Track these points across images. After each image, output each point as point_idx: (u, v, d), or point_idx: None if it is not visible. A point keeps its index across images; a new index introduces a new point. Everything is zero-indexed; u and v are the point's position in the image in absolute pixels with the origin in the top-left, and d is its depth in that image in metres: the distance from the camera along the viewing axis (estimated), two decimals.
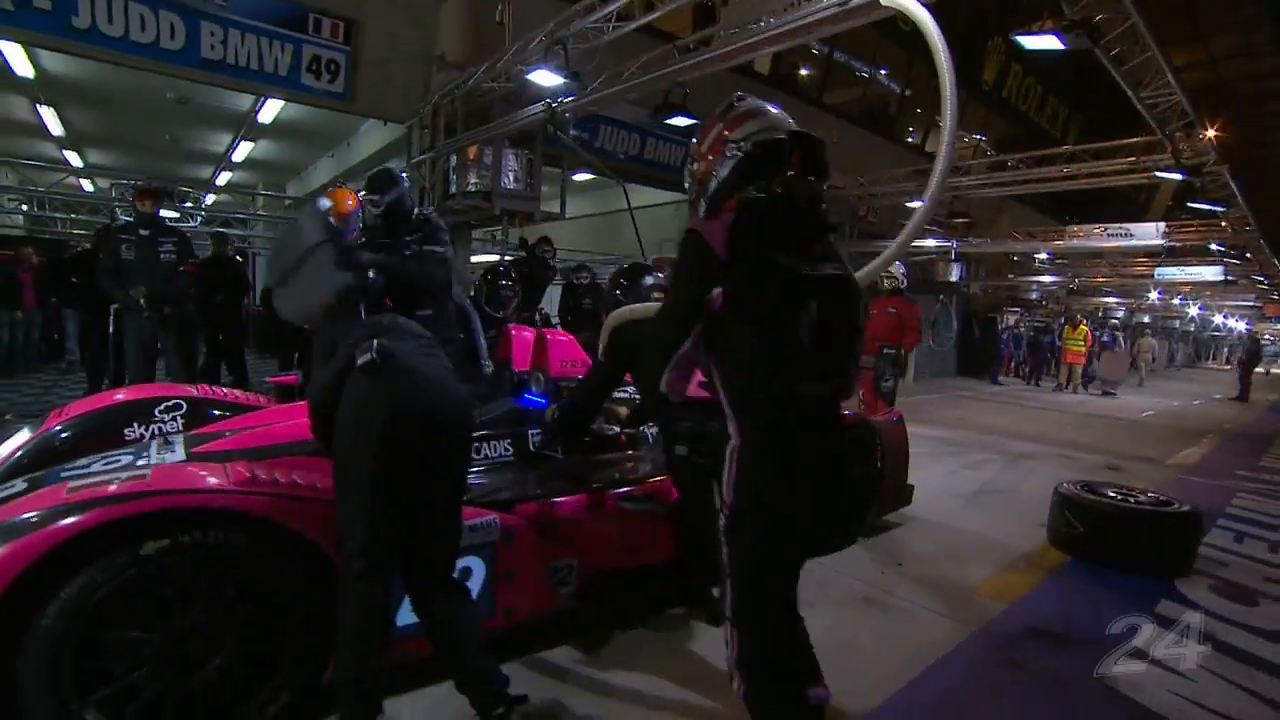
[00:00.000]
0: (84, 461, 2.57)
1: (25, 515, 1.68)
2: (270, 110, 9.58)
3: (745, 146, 1.56)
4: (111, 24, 5.95)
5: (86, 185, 14.41)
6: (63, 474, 2.19)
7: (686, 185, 1.73)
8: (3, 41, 7.02)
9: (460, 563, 2.25)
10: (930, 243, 10.04)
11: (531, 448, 2.81)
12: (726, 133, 1.60)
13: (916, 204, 9.96)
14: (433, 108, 7.20)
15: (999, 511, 4.74)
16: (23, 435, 2.98)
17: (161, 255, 4.84)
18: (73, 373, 8.02)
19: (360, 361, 1.85)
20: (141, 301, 4.71)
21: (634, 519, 2.79)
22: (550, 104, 4.97)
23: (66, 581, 1.65)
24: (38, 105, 9.55)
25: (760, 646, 1.54)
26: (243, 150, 11.99)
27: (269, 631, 1.92)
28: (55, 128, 10.66)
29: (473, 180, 6.90)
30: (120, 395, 3.42)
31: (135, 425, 3.08)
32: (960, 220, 10.93)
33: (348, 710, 1.74)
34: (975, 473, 5.97)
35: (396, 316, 2.33)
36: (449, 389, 1.97)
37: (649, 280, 2.90)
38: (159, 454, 2.44)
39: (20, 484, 2.11)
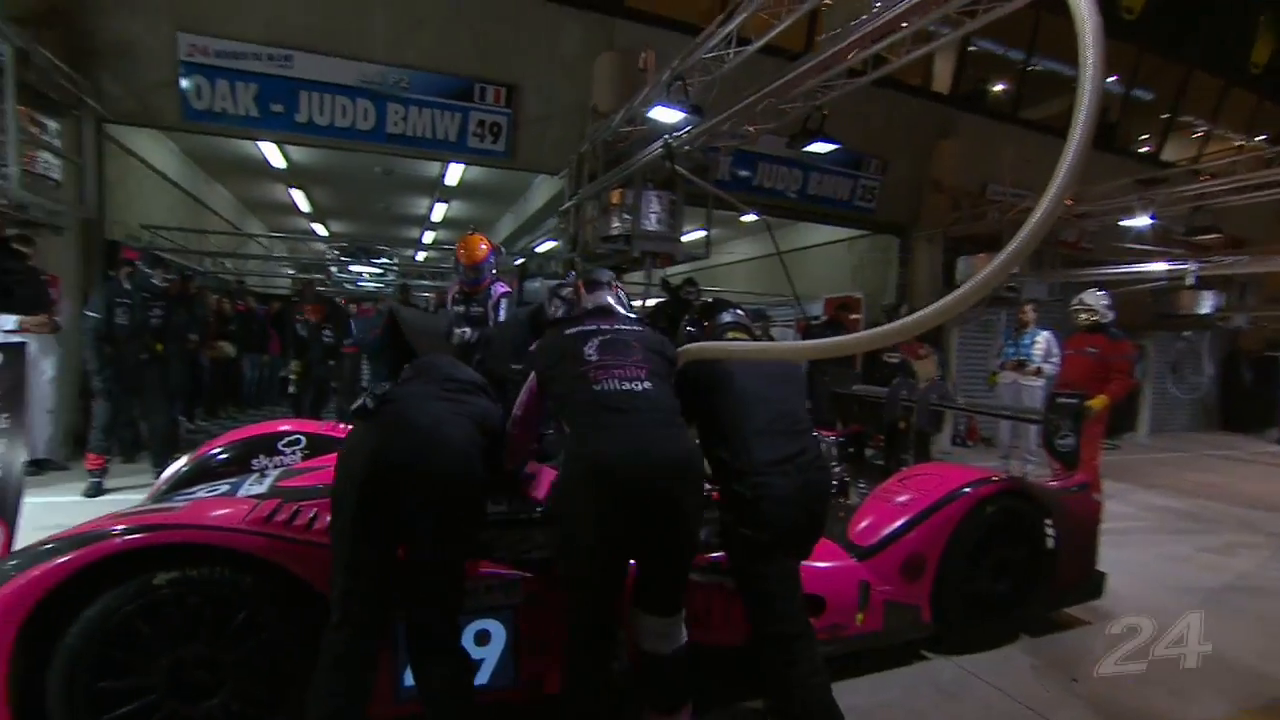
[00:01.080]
0: (198, 487, 2.85)
1: (63, 541, 1.82)
2: (454, 174, 10.74)
3: None
4: (322, 115, 7.06)
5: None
6: (176, 498, 2.43)
7: None
8: (261, 143, 8.80)
9: (477, 624, 2.08)
10: (1159, 266, 8.13)
11: None
12: None
13: (1133, 222, 8.31)
14: (578, 157, 7.49)
15: (1255, 620, 3.50)
16: (185, 458, 3.44)
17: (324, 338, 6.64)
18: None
19: (353, 407, 1.78)
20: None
21: (699, 591, 2.42)
22: (667, 139, 4.86)
23: (89, 603, 1.74)
24: (290, 189, 11.68)
25: None
26: (439, 211, 13.61)
27: (270, 674, 1.88)
28: (304, 205, 12.99)
29: (615, 224, 7.01)
30: (263, 429, 3.78)
31: (261, 456, 3.40)
32: (1208, 236, 8.81)
33: None
34: (1222, 560, 4.54)
35: (438, 358, 2.26)
36: (444, 438, 1.77)
37: (726, 317, 2.56)
38: (249, 486, 2.58)
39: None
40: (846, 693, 2.50)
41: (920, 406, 4.13)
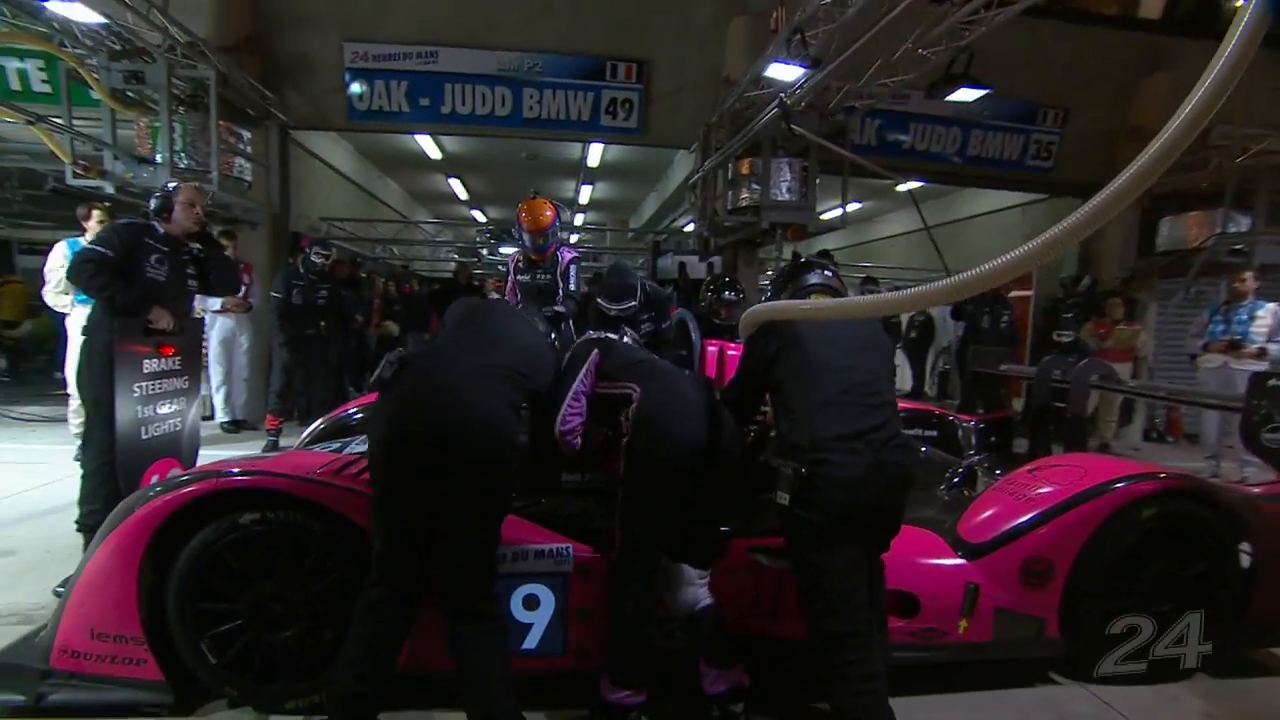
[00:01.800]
0: (333, 442, 3.16)
1: (183, 477, 2.08)
2: (594, 155, 10.97)
3: None
4: (464, 105, 7.53)
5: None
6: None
7: None
8: (419, 136, 9.62)
9: (526, 588, 2.08)
10: None
11: None
12: None
13: None
14: (706, 128, 7.28)
15: None
16: (323, 418, 3.88)
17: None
18: None
19: (375, 375, 1.83)
20: None
21: (770, 577, 2.24)
22: (782, 98, 4.51)
23: (194, 534, 1.98)
24: (449, 178, 12.69)
25: None
26: (585, 193, 14.02)
27: (337, 615, 2.02)
28: (461, 193, 14.05)
29: (744, 195, 6.75)
30: None
31: None
32: None
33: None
34: None
35: (492, 306, 2.28)
36: (473, 402, 1.76)
37: (812, 278, 2.30)
38: (357, 445, 2.83)
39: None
40: (936, 709, 2.21)
41: (1075, 386, 3.50)
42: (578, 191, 14.05)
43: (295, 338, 5.37)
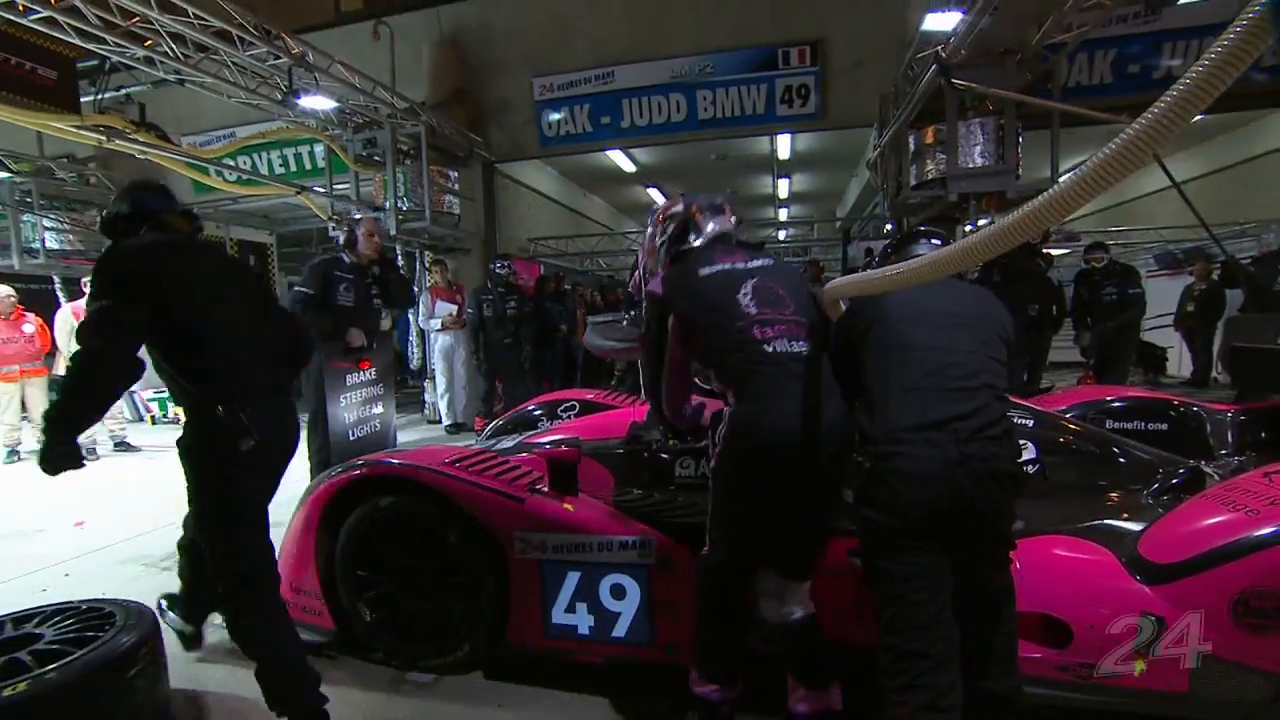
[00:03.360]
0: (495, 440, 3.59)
1: (353, 463, 2.53)
2: (784, 146, 10.67)
3: None
4: (641, 117, 7.89)
5: None
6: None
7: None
8: (612, 152, 10.25)
9: (613, 577, 2.16)
10: None
11: None
12: None
13: None
14: (879, 101, 6.69)
15: None
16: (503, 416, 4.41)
17: None
18: None
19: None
20: None
21: (854, 577, 2.03)
22: (938, 52, 3.93)
23: (351, 512, 2.40)
24: (647, 188, 13.32)
25: None
26: (783, 187, 13.68)
27: (460, 592, 2.29)
28: (660, 201, 14.60)
29: (929, 167, 6.07)
30: (555, 396, 4.51)
31: (545, 419, 4.10)
32: None
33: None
34: None
35: None
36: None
37: (920, 248, 2.03)
38: (507, 440, 3.19)
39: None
40: None
41: None
42: (774, 186, 13.78)
43: (491, 347, 6.11)
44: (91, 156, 9.16)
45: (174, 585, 2.46)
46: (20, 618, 2.04)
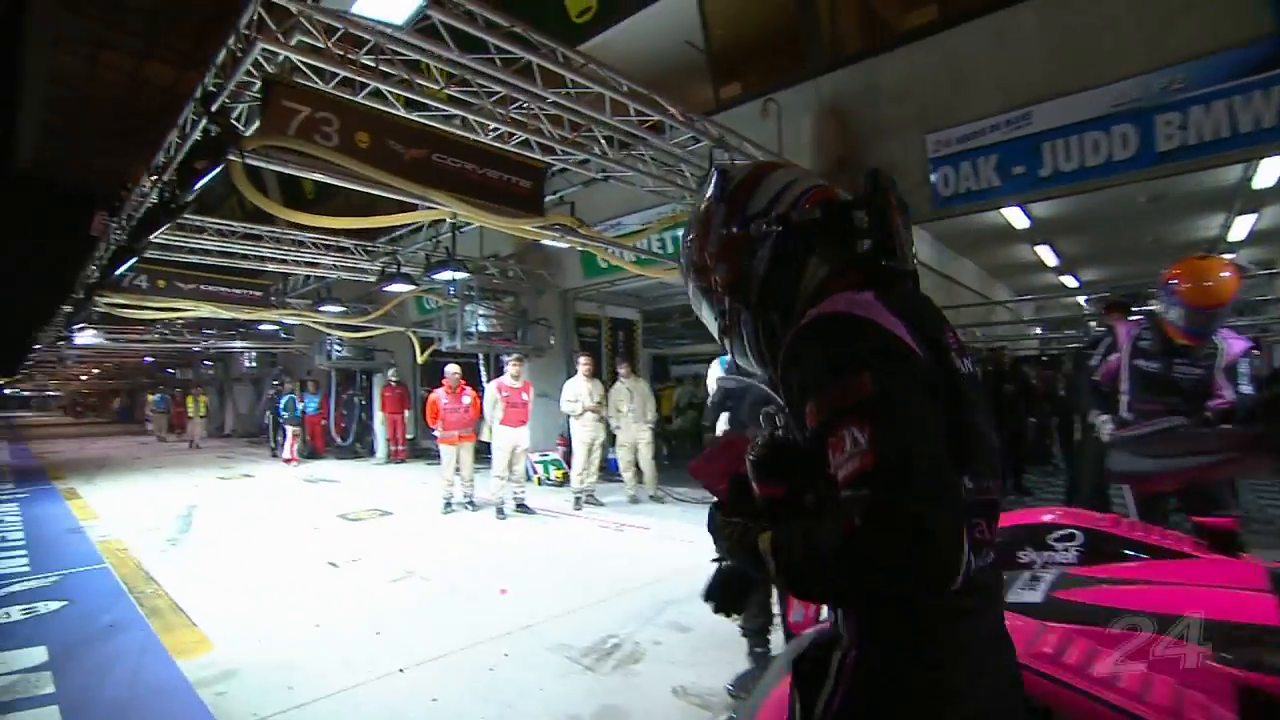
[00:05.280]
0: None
1: None
2: (1268, 173, 7.87)
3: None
4: (1068, 161, 6.44)
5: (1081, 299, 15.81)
6: None
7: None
8: (1008, 209, 8.76)
9: None
10: None
11: None
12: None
13: None
14: None
15: None
16: None
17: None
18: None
19: None
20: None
21: None
22: None
23: None
24: (1035, 246, 11.26)
25: None
26: (1241, 226, 10.29)
27: None
28: (1050, 259, 12.24)
29: None
30: (1028, 516, 3.43)
31: (1028, 549, 3.08)
32: None
33: None
34: None
35: None
36: None
37: None
38: (1019, 590, 2.33)
39: None
40: None
41: None
42: (1227, 226, 10.45)
43: None
44: (511, 254, 11.23)
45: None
46: None
